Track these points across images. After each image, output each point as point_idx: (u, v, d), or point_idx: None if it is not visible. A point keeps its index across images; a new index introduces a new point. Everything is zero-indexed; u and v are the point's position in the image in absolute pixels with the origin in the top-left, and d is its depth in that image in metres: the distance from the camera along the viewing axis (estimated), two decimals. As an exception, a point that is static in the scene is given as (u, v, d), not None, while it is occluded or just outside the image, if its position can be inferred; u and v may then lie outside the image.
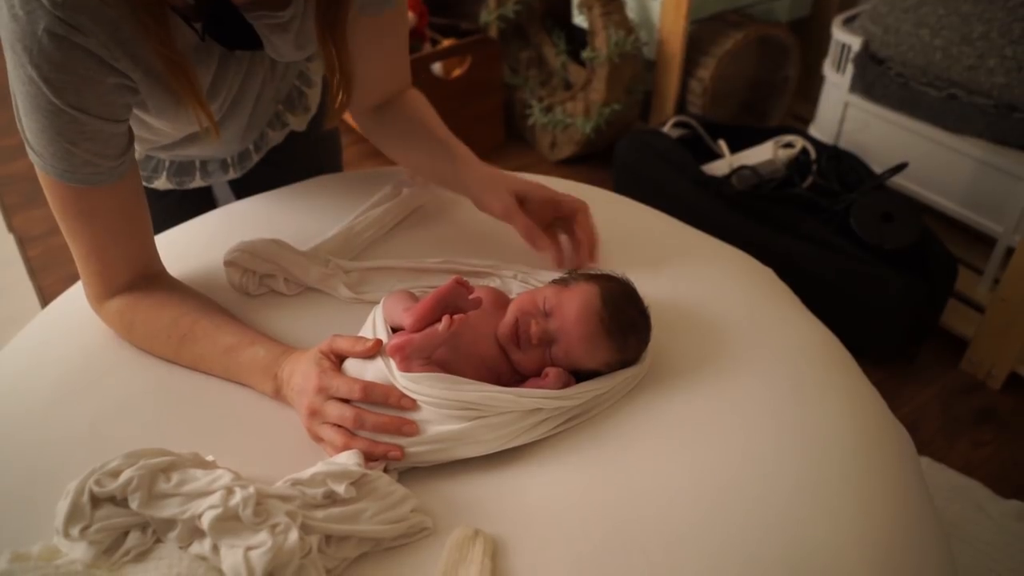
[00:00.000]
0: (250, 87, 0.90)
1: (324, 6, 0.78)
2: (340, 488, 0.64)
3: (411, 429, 0.69)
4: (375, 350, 0.73)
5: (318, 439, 0.72)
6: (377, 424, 0.70)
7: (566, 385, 0.75)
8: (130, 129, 0.78)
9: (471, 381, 0.71)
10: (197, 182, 1.09)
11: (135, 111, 0.79)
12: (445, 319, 0.70)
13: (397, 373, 0.71)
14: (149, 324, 0.82)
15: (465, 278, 0.75)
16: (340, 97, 0.86)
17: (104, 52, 0.69)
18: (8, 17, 0.66)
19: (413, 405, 0.70)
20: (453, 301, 0.73)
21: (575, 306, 0.76)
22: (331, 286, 0.90)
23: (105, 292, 0.83)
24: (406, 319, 0.73)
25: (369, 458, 0.69)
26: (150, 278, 0.85)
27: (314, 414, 0.72)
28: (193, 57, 0.78)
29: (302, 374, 0.74)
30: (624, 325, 0.76)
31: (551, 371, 0.75)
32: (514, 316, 0.77)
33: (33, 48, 0.66)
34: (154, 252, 0.86)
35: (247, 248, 0.89)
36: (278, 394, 0.77)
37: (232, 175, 1.11)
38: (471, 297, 0.74)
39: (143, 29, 0.69)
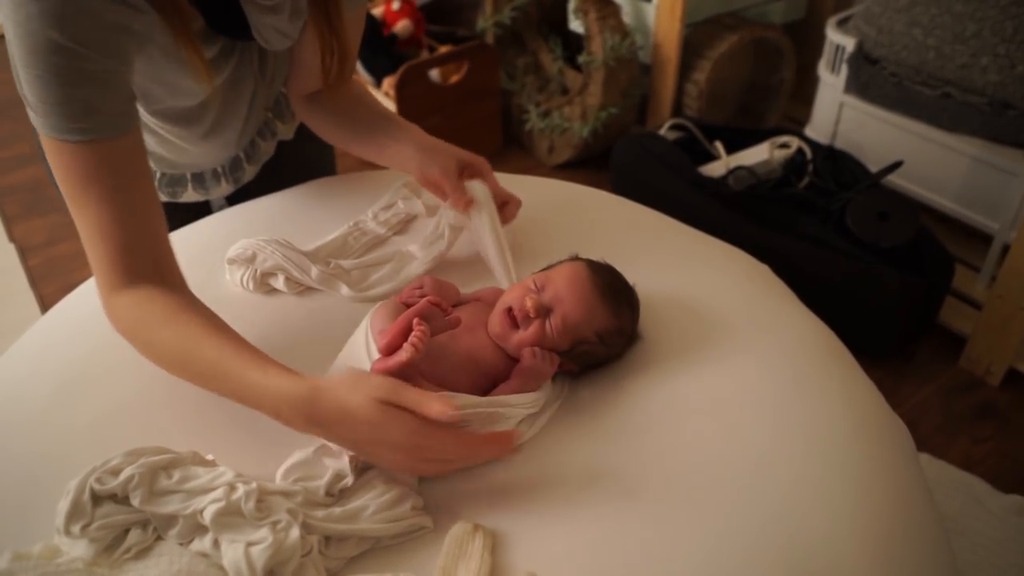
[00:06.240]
0: (242, 91, 0.91)
1: None
2: (343, 462, 0.64)
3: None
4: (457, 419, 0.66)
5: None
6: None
7: (545, 363, 0.75)
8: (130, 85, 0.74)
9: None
10: (190, 194, 1.08)
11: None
12: (406, 346, 0.68)
13: None
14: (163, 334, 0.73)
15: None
16: (333, 70, 0.90)
17: None
18: None
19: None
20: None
21: (566, 275, 0.79)
22: (332, 285, 0.91)
23: (119, 279, 0.74)
24: (380, 343, 0.72)
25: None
26: (171, 286, 0.76)
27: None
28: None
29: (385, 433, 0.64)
30: (616, 290, 0.80)
31: (525, 351, 0.75)
32: (505, 305, 0.78)
33: None
34: (170, 251, 0.78)
35: (250, 245, 0.91)
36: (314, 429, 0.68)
37: (225, 188, 1.09)
38: (448, 317, 0.72)
39: None
